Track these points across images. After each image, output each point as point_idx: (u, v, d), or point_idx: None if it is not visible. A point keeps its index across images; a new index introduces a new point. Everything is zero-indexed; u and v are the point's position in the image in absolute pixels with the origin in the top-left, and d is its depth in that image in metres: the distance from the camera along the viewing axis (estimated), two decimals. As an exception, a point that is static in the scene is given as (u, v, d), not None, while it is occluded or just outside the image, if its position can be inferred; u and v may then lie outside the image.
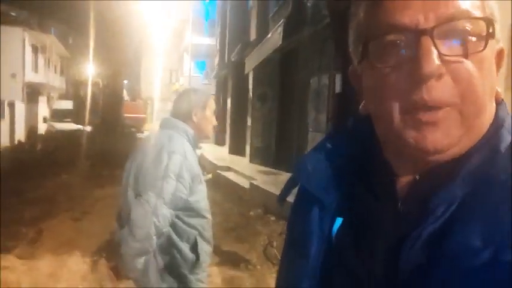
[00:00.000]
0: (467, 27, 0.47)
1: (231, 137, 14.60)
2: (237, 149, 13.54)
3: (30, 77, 21.74)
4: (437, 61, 0.46)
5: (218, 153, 13.28)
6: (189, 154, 1.89)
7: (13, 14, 19.79)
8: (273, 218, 6.12)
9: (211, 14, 24.23)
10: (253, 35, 12.88)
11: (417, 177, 0.53)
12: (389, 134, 0.51)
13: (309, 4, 7.99)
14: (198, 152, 2.07)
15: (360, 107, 0.59)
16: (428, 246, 0.48)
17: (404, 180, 0.54)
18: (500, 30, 0.52)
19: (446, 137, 0.48)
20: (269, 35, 9.80)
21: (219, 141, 16.35)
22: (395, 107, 0.49)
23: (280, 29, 8.62)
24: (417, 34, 0.47)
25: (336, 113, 6.44)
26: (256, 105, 11.71)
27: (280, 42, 8.51)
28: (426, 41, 0.46)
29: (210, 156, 12.12)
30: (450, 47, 0.47)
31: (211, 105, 2.06)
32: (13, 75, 20.07)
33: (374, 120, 0.55)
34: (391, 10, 0.49)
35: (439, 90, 0.47)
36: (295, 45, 8.81)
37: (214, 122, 2.07)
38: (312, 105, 8.08)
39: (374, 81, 0.51)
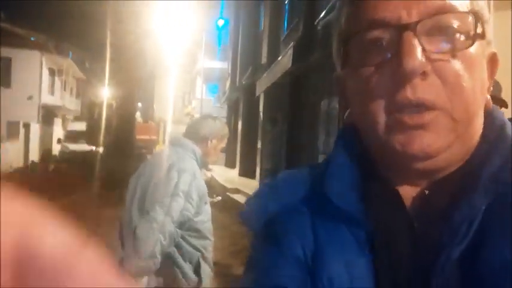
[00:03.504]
0: (453, 24, 0.44)
1: (241, 159, 14.59)
2: (247, 171, 13.51)
3: (47, 99, 22.20)
4: (420, 57, 0.42)
5: (228, 175, 13.26)
6: (198, 174, 1.89)
7: (31, 38, 20.39)
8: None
9: (223, 39, 24.66)
10: (264, 59, 13.03)
11: (426, 191, 0.48)
12: (375, 140, 0.48)
13: (319, 27, 8.08)
14: (208, 174, 2.09)
15: (346, 115, 0.55)
16: (459, 268, 0.43)
17: (408, 196, 0.49)
18: (498, 41, 0.50)
19: (436, 141, 0.44)
20: (279, 58, 9.90)
21: (229, 164, 16.36)
22: (380, 109, 0.45)
23: (290, 52, 8.71)
24: (399, 29, 0.44)
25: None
26: (267, 128, 11.73)
27: (290, 65, 8.57)
28: (409, 36, 0.43)
29: (220, 178, 12.10)
30: (435, 44, 0.44)
31: (226, 139, 2.13)
32: (30, 97, 20.53)
33: (360, 128, 0.51)
34: (372, 7, 0.46)
35: (425, 89, 0.43)
36: (305, 68, 8.87)
37: (221, 154, 2.14)
38: (322, 128, 8.06)
39: (357, 84, 0.48)
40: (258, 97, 12.68)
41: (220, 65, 24.45)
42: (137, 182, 1.91)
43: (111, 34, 14.70)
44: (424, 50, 0.43)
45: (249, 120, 14.36)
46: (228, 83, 20.44)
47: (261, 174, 11.89)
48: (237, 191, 10.33)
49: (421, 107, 0.43)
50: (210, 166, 2.17)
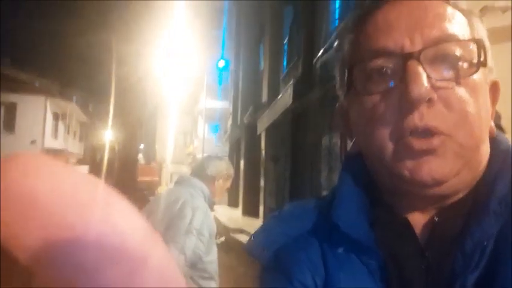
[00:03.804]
0: (456, 52, 0.45)
1: (244, 198, 14.45)
2: (250, 210, 13.34)
3: (50, 143, 22.38)
4: (426, 84, 0.43)
5: (231, 215, 13.08)
6: (209, 212, 1.92)
7: (36, 83, 20.83)
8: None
9: (224, 78, 25.12)
10: (265, 97, 13.19)
11: (436, 218, 0.48)
12: (382, 167, 0.47)
13: (317, 66, 8.22)
14: (212, 213, 2.13)
15: (350, 145, 0.55)
16: None
17: (417, 223, 0.48)
18: (499, 72, 0.49)
19: (444, 167, 0.44)
20: (279, 97, 10.01)
21: (232, 203, 16.19)
22: (386, 137, 0.45)
23: (290, 90, 8.82)
24: (403, 58, 0.44)
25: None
26: (269, 166, 11.69)
27: (291, 103, 8.66)
28: (413, 64, 0.43)
29: (222, 218, 11.93)
30: (439, 72, 0.44)
31: (231, 179, 2.19)
32: (33, 142, 20.70)
33: (366, 156, 0.51)
34: (374, 35, 0.47)
35: (432, 116, 0.44)
36: (305, 105, 8.95)
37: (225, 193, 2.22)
38: (324, 164, 8.02)
39: (362, 112, 0.48)
40: (260, 135, 12.73)
41: (221, 105, 24.76)
42: (147, 220, 1.91)
43: (114, 75, 15.01)
44: (429, 77, 0.43)
45: (251, 158, 14.35)
46: (229, 122, 20.60)
47: (264, 212, 11.73)
48: (240, 231, 10.14)
49: (429, 132, 0.44)
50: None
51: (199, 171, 2.08)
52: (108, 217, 0.17)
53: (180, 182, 2.06)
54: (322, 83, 7.88)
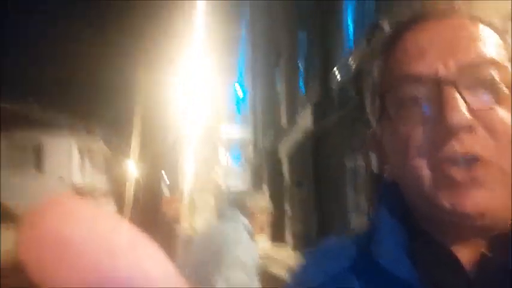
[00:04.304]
0: (493, 75, 0.42)
1: (269, 226, 14.28)
2: (276, 237, 13.14)
3: (76, 179, 22.84)
4: (464, 110, 0.41)
5: (257, 241, 12.91)
6: (253, 245, 1.99)
7: (62, 122, 21.47)
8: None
9: (243, 105, 25.36)
10: (284, 122, 13.18)
11: (483, 250, 0.44)
12: (421, 197, 0.44)
13: (335, 87, 8.19)
14: (254, 246, 2.18)
15: (385, 173, 0.52)
16: None
17: (463, 257, 0.45)
18: None
19: (490, 198, 0.41)
20: (299, 120, 9.97)
21: (259, 230, 16.03)
22: (424, 165, 0.43)
23: (309, 113, 8.79)
24: (438, 84, 0.42)
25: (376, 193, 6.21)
26: (293, 191, 11.57)
27: (311, 126, 8.61)
28: (450, 90, 0.41)
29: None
30: (478, 96, 0.42)
31: (270, 214, 2.25)
32: (61, 179, 21.16)
33: (402, 186, 0.48)
34: (406, 60, 0.45)
35: (473, 142, 0.41)
36: (326, 127, 8.88)
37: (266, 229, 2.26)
38: (349, 187, 7.89)
39: (397, 140, 0.46)
40: (281, 160, 12.66)
41: (241, 131, 24.90)
42: (186, 261, 1.97)
43: (138, 105, 15.29)
44: (467, 103, 0.41)
45: (274, 184, 14.24)
46: (250, 148, 20.63)
47: (292, 239, 11.54)
48: (267, 257, 9.97)
49: (471, 161, 0.41)
50: None
51: (240, 205, 2.10)
52: (140, 263, 0.18)
53: (223, 216, 2.11)
54: (342, 105, 7.82)
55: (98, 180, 27.42)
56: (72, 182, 22.07)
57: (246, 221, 2.05)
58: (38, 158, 20.43)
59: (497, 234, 0.44)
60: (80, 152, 24.06)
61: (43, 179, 19.93)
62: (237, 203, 2.15)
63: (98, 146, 26.36)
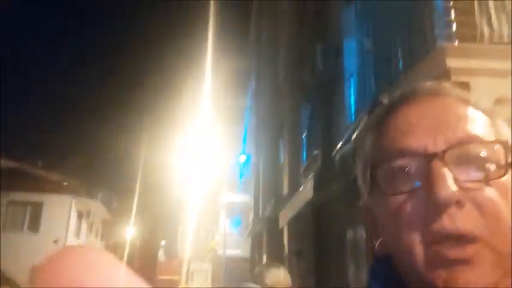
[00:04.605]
0: (482, 153, 0.43)
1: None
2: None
3: (72, 242, 22.31)
4: (453, 186, 0.41)
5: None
6: None
7: (65, 183, 21.45)
8: None
9: (245, 172, 25.45)
10: (285, 190, 13.19)
11: None
12: (413, 273, 0.44)
13: (336, 158, 8.32)
14: None
15: (376, 246, 0.52)
16: None
17: None
18: None
19: (482, 277, 0.41)
20: (300, 189, 10.01)
21: (256, 302, 15.34)
22: (416, 241, 0.43)
23: (310, 183, 8.84)
24: (427, 158, 0.43)
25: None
26: (293, 261, 11.28)
27: (312, 196, 8.62)
28: (438, 164, 0.42)
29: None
30: (466, 173, 0.43)
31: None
32: (55, 241, 20.68)
33: (394, 259, 0.47)
34: (397, 135, 0.46)
35: (463, 219, 0.41)
36: (327, 198, 8.89)
37: None
38: (350, 259, 7.70)
39: (387, 213, 0.46)
40: (282, 229, 12.48)
41: (242, 198, 24.74)
42: None
43: (142, 169, 15.35)
44: (455, 179, 0.42)
45: (274, 252, 13.90)
46: (251, 216, 20.39)
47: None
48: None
49: (462, 238, 0.41)
50: None
51: (259, 280, 2.11)
52: None
53: None
54: (342, 175, 7.90)
55: (93, 244, 26.75)
56: (66, 244, 21.54)
57: None
58: (35, 217, 20.15)
59: None
60: (78, 214, 23.75)
61: (37, 239, 19.51)
62: (257, 277, 2.14)
63: (97, 209, 26.05)
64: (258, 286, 2.12)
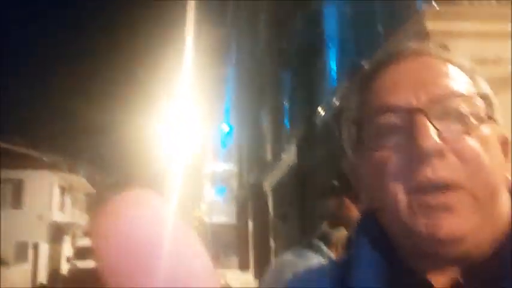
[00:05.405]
0: (462, 107, 0.46)
1: (255, 260, 14.11)
2: (262, 272, 12.96)
3: (56, 217, 22.22)
4: (435, 137, 0.44)
5: (243, 279, 12.70)
6: None
7: (44, 159, 21.11)
8: None
9: (227, 141, 25.49)
10: (269, 157, 13.35)
11: (460, 279, 0.45)
12: (397, 224, 0.46)
13: (319, 124, 8.43)
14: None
15: (363, 201, 0.54)
16: None
17: (440, 285, 0.46)
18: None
19: (464, 223, 0.43)
20: (284, 155, 10.15)
21: (243, 266, 15.77)
22: (400, 191, 0.45)
23: (294, 148, 8.97)
24: (411, 113, 0.45)
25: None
26: (278, 225, 11.55)
27: (295, 160, 8.77)
28: (421, 118, 0.44)
29: (234, 283, 11.58)
30: (448, 126, 0.45)
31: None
32: (40, 217, 20.55)
33: (379, 214, 0.49)
34: (382, 93, 0.49)
35: (445, 168, 0.43)
36: (310, 163, 9.05)
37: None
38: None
39: (372, 167, 0.48)
40: (267, 195, 12.71)
41: (225, 167, 24.89)
42: None
43: (122, 143, 15.21)
44: (438, 131, 0.44)
45: (259, 218, 14.19)
46: (235, 184, 20.62)
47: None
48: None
49: (444, 187, 0.43)
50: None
51: (325, 238, 2.13)
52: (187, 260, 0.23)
53: (310, 246, 2.13)
54: (326, 141, 8.04)
55: (78, 218, 26.71)
56: (51, 219, 21.47)
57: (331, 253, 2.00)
58: (17, 194, 19.90)
59: (471, 262, 0.45)
60: (61, 189, 23.53)
61: (21, 215, 19.36)
62: (320, 236, 2.10)
63: (80, 183, 25.83)
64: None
